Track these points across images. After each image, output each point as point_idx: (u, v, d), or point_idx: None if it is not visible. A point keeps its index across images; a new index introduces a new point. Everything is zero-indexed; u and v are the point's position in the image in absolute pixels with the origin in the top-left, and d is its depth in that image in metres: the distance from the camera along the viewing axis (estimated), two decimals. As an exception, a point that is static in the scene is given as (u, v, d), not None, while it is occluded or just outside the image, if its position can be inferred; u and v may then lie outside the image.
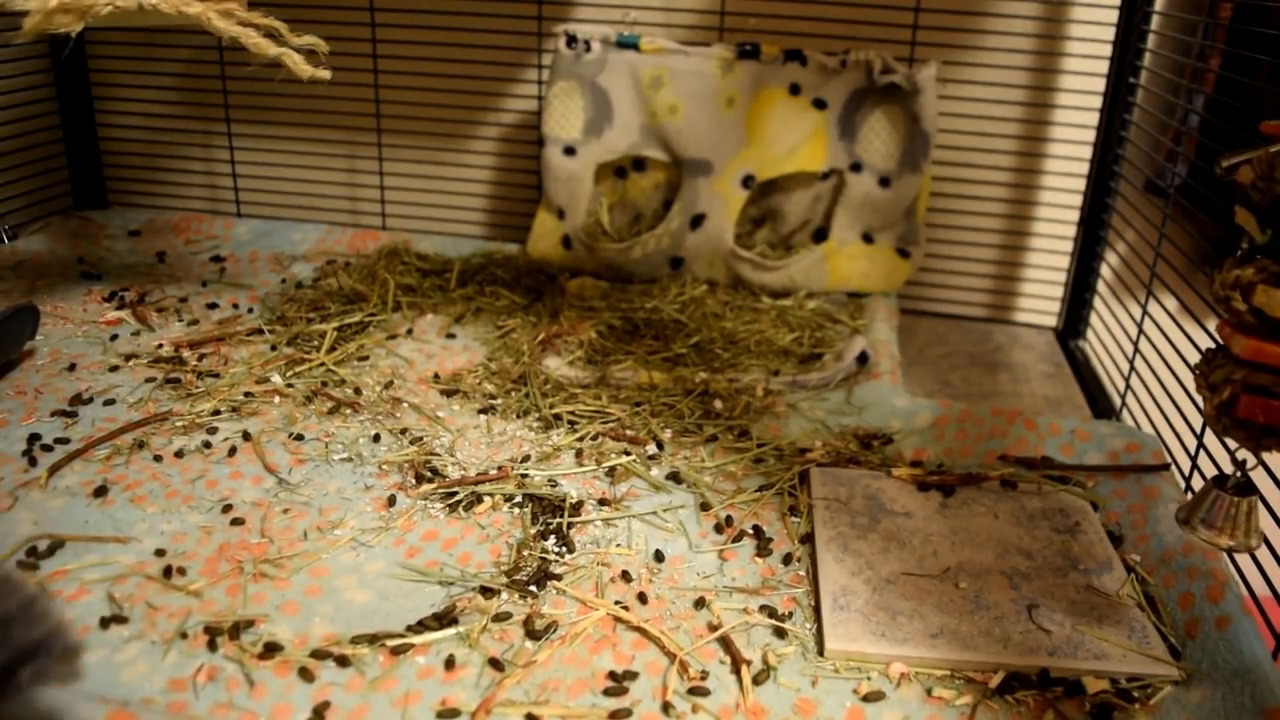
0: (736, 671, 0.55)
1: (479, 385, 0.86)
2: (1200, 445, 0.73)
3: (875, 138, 1.07)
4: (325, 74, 0.80)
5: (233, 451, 0.74)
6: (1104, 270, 1.10)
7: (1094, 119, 1.09)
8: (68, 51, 1.24)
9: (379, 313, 0.99)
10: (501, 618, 0.58)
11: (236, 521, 0.66)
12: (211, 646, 0.55)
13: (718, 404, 0.84)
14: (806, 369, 0.92)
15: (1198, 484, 0.72)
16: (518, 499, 0.70)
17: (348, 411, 0.81)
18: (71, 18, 0.71)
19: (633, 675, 0.54)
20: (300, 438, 0.77)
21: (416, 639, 0.56)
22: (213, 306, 1.01)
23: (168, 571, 0.61)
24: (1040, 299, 1.18)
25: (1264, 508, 0.57)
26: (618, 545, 0.66)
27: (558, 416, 0.81)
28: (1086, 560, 0.65)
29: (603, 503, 0.71)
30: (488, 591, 0.60)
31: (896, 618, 0.59)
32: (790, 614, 0.60)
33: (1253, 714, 0.50)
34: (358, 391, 0.84)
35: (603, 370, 0.89)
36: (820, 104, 1.07)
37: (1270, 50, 0.83)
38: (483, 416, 0.82)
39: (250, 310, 1.00)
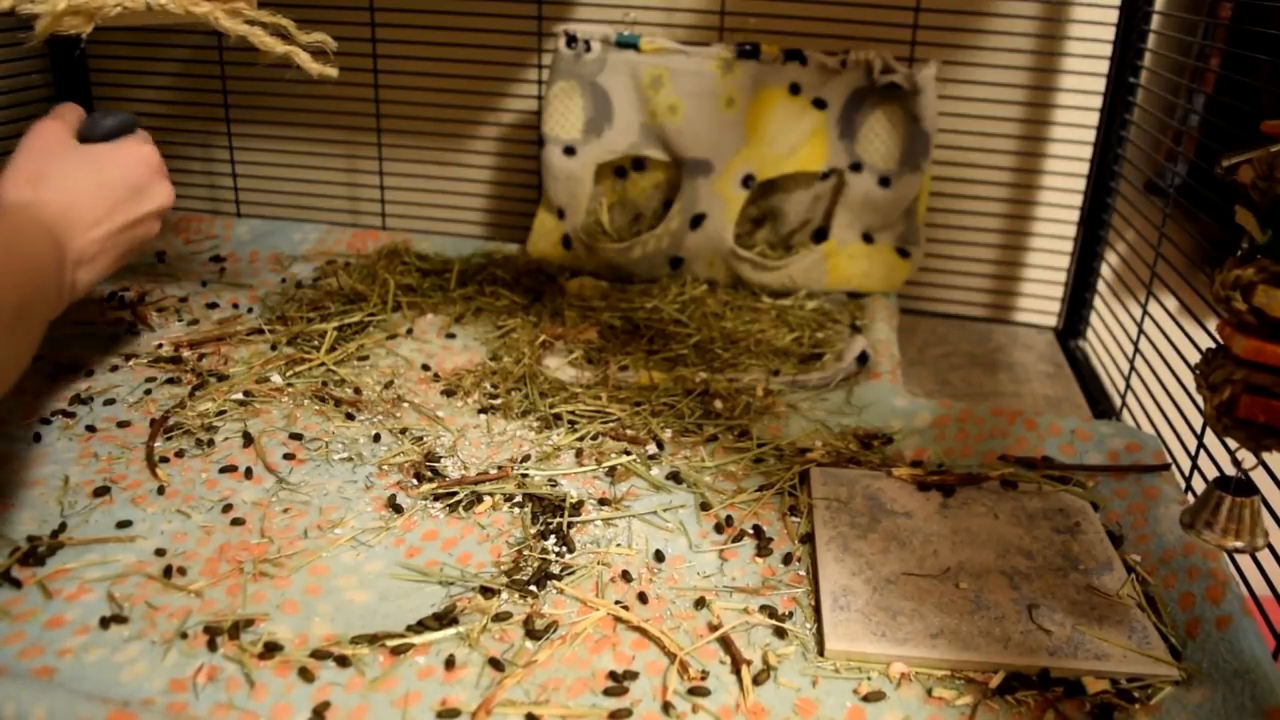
0: (737, 671, 0.55)
1: (479, 385, 0.86)
2: (1200, 445, 0.73)
3: (875, 138, 1.07)
4: (332, 72, 0.80)
5: (232, 451, 0.74)
6: (1104, 270, 1.10)
7: (1094, 119, 1.09)
8: (78, 53, 1.24)
9: (379, 313, 0.99)
10: (501, 618, 0.58)
11: (236, 521, 0.66)
12: (211, 646, 0.55)
13: (718, 404, 0.84)
14: (806, 369, 0.92)
15: (1198, 484, 0.73)
16: (518, 499, 0.70)
17: (348, 411, 0.81)
18: (81, 19, 0.71)
19: (633, 675, 0.54)
20: (300, 438, 0.77)
21: (416, 639, 0.56)
22: (213, 306, 1.01)
23: (168, 571, 0.61)
24: (1040, 299, 1.18)
25: (1264, 508, 0.57)
26: (618, 545, 0.66)
27: (558, 416, 0.81)
28: (1087, 560, 0.65)
29: (603, 502, 0.71)
30: (488, 591, 0.60)
31: (897, 618, 0.59)
32: (790, 614, 0.60)
33: (1253, 714, 0.50)
34: (358, 391, 0.84)
35: (603, 370, 0.89)
36: (820, 104, 1.07)
37: (1270, 50, 0.83)
38: (483, 416, 0.82)
39: (250, 310, 1.00)
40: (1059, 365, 1.04)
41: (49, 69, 1.27)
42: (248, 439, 0.76)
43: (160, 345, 0.91)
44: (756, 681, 0.54)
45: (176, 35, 1.28)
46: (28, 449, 0.73)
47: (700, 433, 0.80)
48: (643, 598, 0.61)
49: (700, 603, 0.61)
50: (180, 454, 0.74)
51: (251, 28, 0.74)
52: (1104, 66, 1.06)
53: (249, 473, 0.72)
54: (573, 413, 0.82)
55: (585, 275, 1.12)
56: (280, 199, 1.33)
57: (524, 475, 0.73)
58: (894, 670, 0.56)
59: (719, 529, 0.68)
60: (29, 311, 0.56)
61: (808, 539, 0.68)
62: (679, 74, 1.07)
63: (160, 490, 0.69)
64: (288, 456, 0.74)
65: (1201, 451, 0.73)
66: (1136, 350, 0.90)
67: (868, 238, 1.11)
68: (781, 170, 1.08)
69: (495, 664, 0.55)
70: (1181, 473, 0.75)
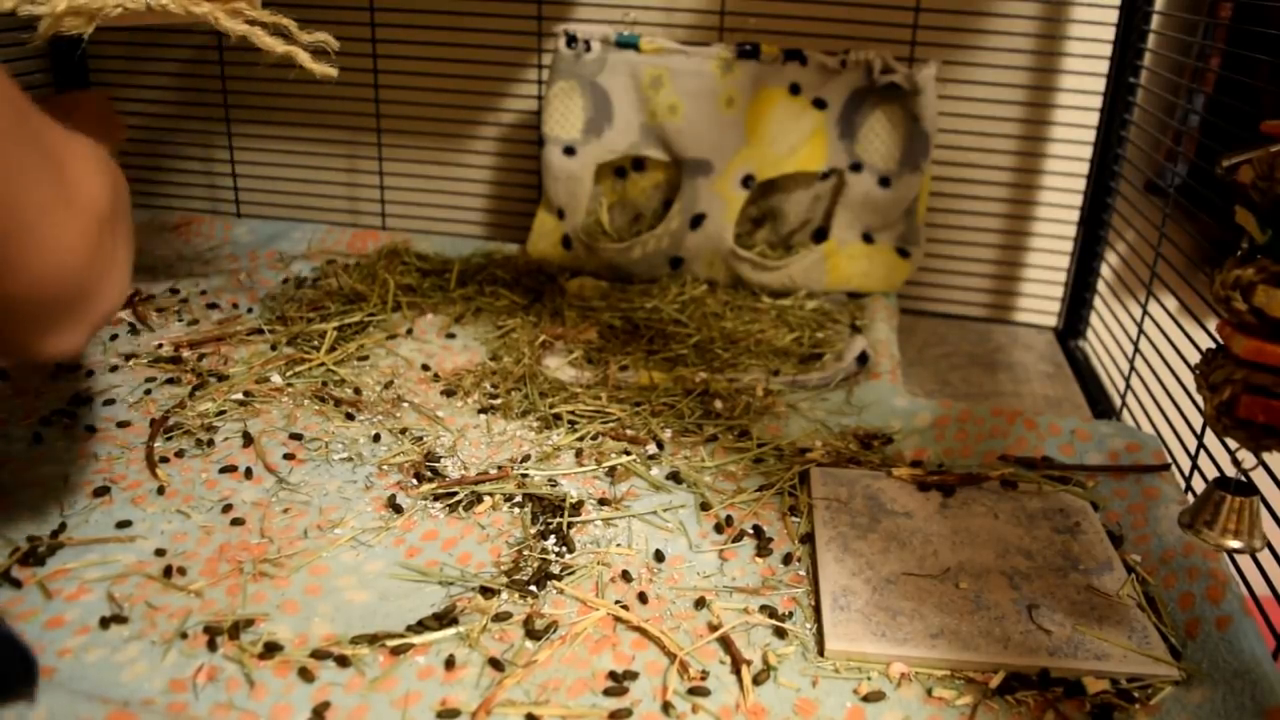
0: (737, 671, 0.55)
1: (479, 385, 0.86)
2: (1200, 445, 0.73)
3: (875, 138, 1.07)
4: (333, 71, 0.80)
5: (232, 451, 0.74)
6: (1104, 270, 1.10)
7: (1094, 119, 1.09)
8: (79, 53, 1.24)
9: (379, 313, 0.99)
10: (501, 618, 0.58)
11: (236, 521, 0.66)
12: (211, 646, 0.55)
13: (718, 404, 0.84)
14: (806, 369, 0.92)
15: (1198, 484, 0.73)
16: (518, 499, 0.70)
17: (348, 411, 0.81)
18: (82, 20, 0.71)
19: (633, 675, 0.54)
20: (300, 437, 0.77)
21: (416, 639, 0.56)
22: (213, 306, 1.01)
23: (168, 571, 0.61)
24: (1040, 299, 1.18)
25: (1264, 508, 0.57)
26: (618, 545, 0.66)
27: (558, 416, 0.81)
28: (1087, 560, 0.65)
29: (603, 502, 0.71)
30: (488, 591, 0.60)
31: (897, 618, 0.59)
32: (790, 614, 0.60)
33: (1253, 714, 0.50)
34: (358, 391, 0.84)
35: (603, 370, 0.89)
36: (820, 104, 1.07)
37: (1270, 50, 0.83)
38: (483, 416, 0.82)
39: (250, 310, 1.00)
40: (1059, 365, 1.04)
41: (49, 69, 1.27)
42: (248, 439, 0.76)
43: (160, 345, 0.91)
44: (756, 681, 0.54)
45: (176, 35, 1.28)
46: (28, 449, 0.73)
47: (700, 433, 0.80)
48: (643, 598, 0.61)
49: (700, 603, 0.61)
50: (180, 454, 0.74)
51: (252, 28, 0.74)
52: (1104, 66, 1.06)
53: (249, 473, 0.72)
54: (573, 413, 0.82)
55: (585, 275, 1.12)
56: (280, 199, 1.33)
57: (524, 475, 0.73)
58: (894, 670, 0.56)
59: (719, 529, 0.68)
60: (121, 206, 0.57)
61: (808, 539, 0.68)
62: (679, 74, 1.07)
63: (160, 490, 0.69)
64: (288, 456, 0.74)
65: (1201, 451, 0.73)
66: (1136, 350, 0.90)
67: (868, 238, 1.11)
68: (781, 170, 1.08)
69: (495, 664, 0.55)
70: (1181, 473, 0.75)
